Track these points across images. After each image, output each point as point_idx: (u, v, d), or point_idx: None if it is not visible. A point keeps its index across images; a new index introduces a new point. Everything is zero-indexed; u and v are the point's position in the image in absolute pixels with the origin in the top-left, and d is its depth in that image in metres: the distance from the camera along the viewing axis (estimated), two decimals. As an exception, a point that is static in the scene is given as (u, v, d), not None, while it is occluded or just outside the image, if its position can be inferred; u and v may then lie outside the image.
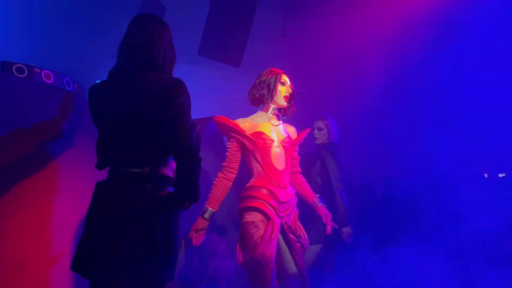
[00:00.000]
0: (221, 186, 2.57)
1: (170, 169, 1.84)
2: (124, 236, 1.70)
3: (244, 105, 2.94)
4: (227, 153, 2.64)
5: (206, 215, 2.50)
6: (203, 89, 8.07)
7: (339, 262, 4.67)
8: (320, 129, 3.56)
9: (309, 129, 2.90)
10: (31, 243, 2.16)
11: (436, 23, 5.75)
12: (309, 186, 2.86)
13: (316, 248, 3.33)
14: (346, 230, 3.33)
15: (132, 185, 1.76)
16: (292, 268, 2.59)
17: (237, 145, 2.63)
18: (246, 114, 2.77)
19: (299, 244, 2.61)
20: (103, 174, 1.92)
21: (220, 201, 2.55)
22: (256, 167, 2.62)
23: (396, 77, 6.71)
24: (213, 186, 2.56)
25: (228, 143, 2.67)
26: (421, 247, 5.14)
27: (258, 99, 2.69)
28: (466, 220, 5.16)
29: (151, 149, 1.76)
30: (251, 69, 6.21)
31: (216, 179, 2.58)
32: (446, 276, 4.57)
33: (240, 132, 2.61)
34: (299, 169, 2.87)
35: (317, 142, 3.55)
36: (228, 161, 2.62)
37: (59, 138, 2.35)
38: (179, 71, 2.14)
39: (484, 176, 6.33)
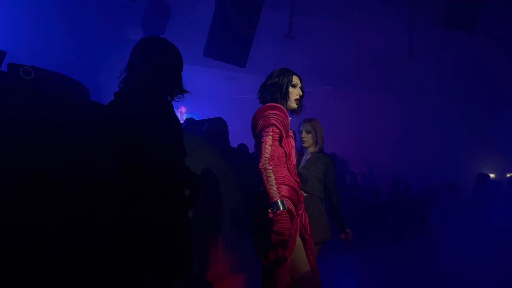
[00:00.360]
0: (275, 174, 2.43)
1: None
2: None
3: (250, 105, 2.94)
4: (270, 146, 2.47)
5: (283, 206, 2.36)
6: (209, 89, 8.10)
7: (346, 261, 4.67)
8: (308, 132, 3.51)
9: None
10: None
11: (444, 24, 5.72)
12: None
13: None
14: (348, 231, 3.35)
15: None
16: (305, 266, 2.58)
17: (278, 137, 2.52)
18: (251, 114, 2.76)
19: (311, 243, 2.61)
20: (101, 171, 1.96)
21: None
22: (281, 166, 2.56)
23: (403, 78, 6.68)
24: (271, 179, 2.39)
25: (272, 134, 2.49)
26: (428, 246, 5.13)
27: (270, 102, 2.64)
28: (473, 219, 5.13)
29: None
30: (257, 69, 6.23)
31: (269, 171, 2.40)
32: (452, 275, 4.55)
33: (287, 128, 2.56)
34: None
35: (305, 145, 3.51)
36: (274, 151, 2.47)
37: (66, 139, 2.36)
38: (185, 72, 2.15)
39: (489, 176, 6.28)
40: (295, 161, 2.65)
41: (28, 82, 2.34)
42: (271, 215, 2.32)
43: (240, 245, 3.69)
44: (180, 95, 2.05)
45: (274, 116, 2.49)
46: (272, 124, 2.48)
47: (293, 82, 2.67)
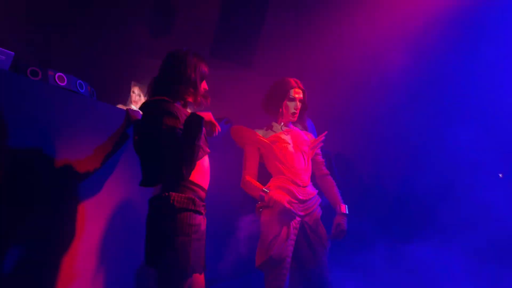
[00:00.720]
0: (252, 181, 2.63)
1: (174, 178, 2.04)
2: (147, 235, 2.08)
3: (255, 106, 2.94)
4: (245, 162, 2.68)
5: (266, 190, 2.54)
6: (214, 89, 8.10)
7: (354, 261, 4.65)
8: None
9: (326, 132, 2.87)
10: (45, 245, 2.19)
11: (454, 19, 5.66)
12: (338, 190, 2.81)
13: None
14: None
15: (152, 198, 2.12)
16: (312, 267, 2.58)
17: (255, 151, 2.67)
18: (257, 114, 2.77)
19: (320, 244, 2.60)
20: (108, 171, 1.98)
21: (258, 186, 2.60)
22: (275, 168, 2.66)
23: (409, 77, 6.65)
24: (249, 187, 2.62)
25: (245, 151, 2.70)
26: (435, 246, 5.10)
27: (269, 112, 2.78)
28: (481, 219, 5.09)
29: (152, 164, 2.06)
30: (263, 69, 6.21)
31: (246, 183, 2.64)
32: (459, 275, 4.52)
33: (256, 138, 2.66)
34: (326, 171, 2.85)
35: None
36: (248, 168, 2.66)
37: (72, 140, 2.37)
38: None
39: (499, 176, 6.23)
40: (294, 160, 2.66)
41: (36, 83, 2.35)
42: (266, 202, 2.50)
43: (246, 245, 3.69)
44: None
45: (242, 138, 2.69)
46: (243, 143, 2.69)
47: (290, 96, 2.68)
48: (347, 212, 2.68)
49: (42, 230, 2.17)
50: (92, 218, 2.43)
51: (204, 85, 2.20)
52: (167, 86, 2.08)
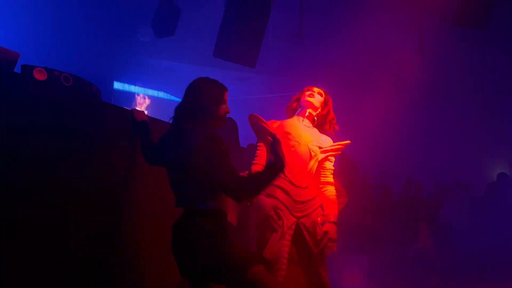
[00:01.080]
0: (258, 168, 2.63)
1: (214, 201, 2.10)
2: (181, 255, 2.10)
3: (259, 106, 2.95)
4: (256, 151, 2.70)
5: None
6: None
7: (356, 261, 4.65)
8: None
9: (349, 142, 2.77)
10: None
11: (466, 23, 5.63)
12: (336, 200, 2.70)
13: None
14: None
15: (183, 218, 2.12)
16: (309, 269, 2.56)
17: (266, 142, 2.66)
18: (261, 114, 2.77)
19: (317, 245, 2.56)
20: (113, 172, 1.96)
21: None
22: None
23: (414, 77, 6.64)
24: (253, 174, 2.56)
25: (257, 141, 2.73)
26: (440, 246, 5.09)
27: (290, 111, 2.84)
28: (484, 220, 5.07)
29: (194, 187, 2.10)
30: (267, 70, 6.22)
31: (251, 170, 2.63)
32: (460, 275, 4.51)
33: (266, 130, 2.64)
34: (330, 180, 2.74)
35: None
36: (258, 158, 2.67)
37: (76, 139, 2.38)
38: (194, 73, 2.19)
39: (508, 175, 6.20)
40: (298, 160, 2.62)
41: (41, 83, 2.37)
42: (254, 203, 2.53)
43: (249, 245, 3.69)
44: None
45: (255, 127, 2.69)
46: (256, 133, 2.73)
47: (306, 93, 2.79)
48: (336, 221, 2.57)
49: (45, 230, 2.19)
50: (96, 218, 2.44)
51: (223, 109, 2.30)
52: (191, 114, 2.19)
